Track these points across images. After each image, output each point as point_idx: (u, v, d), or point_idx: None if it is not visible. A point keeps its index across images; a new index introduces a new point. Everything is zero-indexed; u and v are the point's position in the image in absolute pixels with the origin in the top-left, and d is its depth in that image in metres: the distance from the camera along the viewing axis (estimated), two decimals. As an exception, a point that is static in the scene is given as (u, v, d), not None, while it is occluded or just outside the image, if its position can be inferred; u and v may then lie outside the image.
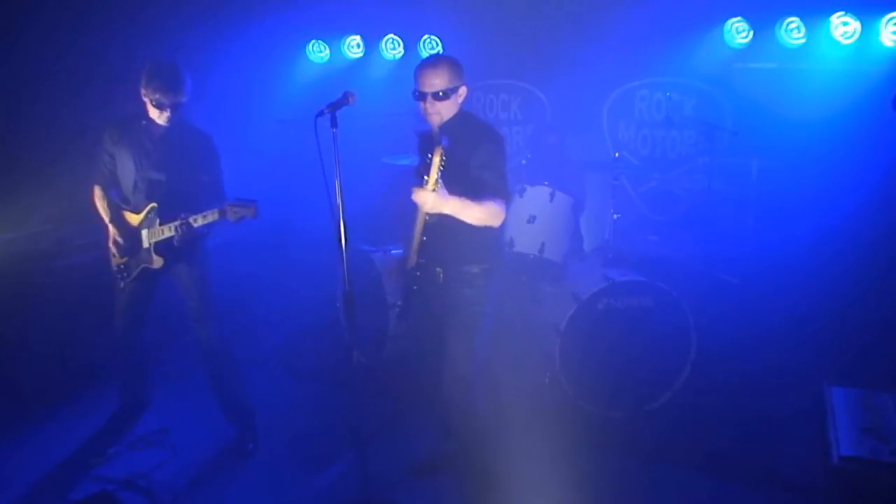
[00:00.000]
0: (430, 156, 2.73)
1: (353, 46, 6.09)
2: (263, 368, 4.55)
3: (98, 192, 3.58)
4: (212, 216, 3.26)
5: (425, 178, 2.77)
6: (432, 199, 2.78)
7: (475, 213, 2.87)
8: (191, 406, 3.93)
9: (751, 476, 3.41)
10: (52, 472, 3.43)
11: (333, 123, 2.76)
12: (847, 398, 2.70)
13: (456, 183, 2.84)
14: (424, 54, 5.76)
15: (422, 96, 3.00)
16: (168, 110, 3.33)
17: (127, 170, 3.47)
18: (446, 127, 3.00)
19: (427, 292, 3.14)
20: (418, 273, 3.10)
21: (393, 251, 4.56)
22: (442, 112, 3.01)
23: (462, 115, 3.09)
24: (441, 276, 3.09)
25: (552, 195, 3.97)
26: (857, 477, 2.29)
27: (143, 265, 3.46)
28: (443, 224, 2.93)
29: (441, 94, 2.97)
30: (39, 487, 3.33)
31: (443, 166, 2.72)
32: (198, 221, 3.27)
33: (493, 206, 2.89)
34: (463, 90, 3.07)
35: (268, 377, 4.46)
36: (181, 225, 3.28)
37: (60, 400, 4.02)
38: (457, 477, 3.21)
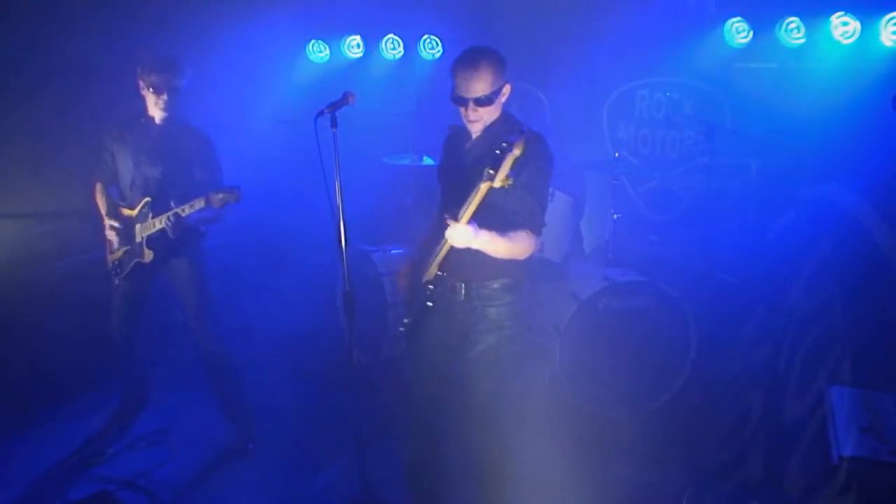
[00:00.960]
0: (479, 185, 2.39)
1: (353, 46, 6.09)
2: (263, 368, 4.55)
3: (99, 188, 3.63)
4: (198, 204, 3.29)
5: (463, 209, 2.46)
6: (467, 234, 2.47)
7: (503, 248, 2.61)
8: (191, 406, 3.93)
9: (751, 476, 3.41)
10: (52, 472, 3.43)
11: (333, 123, 2.75)
12: (847, 398, 2.70)
13: (496, 201, 2.59)
14: (424, 54, 5.77)
15: (462, 101, 2.70)
16: (165, 93, 3.35)
17: (125, 167, 3.52)
18: (488, 133, 2.76)
19: (443, 311, 2.80)
20: (431, 286, 2.77)
21: (393, 251, 4.56)
22: (484, 117, 2.74)
23: (505, 119, 2.83)
24: (462, 291, 2.75)
25: (552, 195, 3.97)
26: (857, 477, 2.29)
27: (136, 259, 3.50)
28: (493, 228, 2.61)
29: (484, 98, 2.68)
30: (39, 487, 3.33)
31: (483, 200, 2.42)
32: (185, 211, 3.30)
33: (524, 240, 2.63)
34: (507, 89, 2.79)
35: (268, 377, 4.46)
36: (170, 216, 3.31)
37: (60, 400, 4.02)
38: (456, 477, 3.21)
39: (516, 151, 2.31)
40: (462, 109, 2.73)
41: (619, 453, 3.59)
